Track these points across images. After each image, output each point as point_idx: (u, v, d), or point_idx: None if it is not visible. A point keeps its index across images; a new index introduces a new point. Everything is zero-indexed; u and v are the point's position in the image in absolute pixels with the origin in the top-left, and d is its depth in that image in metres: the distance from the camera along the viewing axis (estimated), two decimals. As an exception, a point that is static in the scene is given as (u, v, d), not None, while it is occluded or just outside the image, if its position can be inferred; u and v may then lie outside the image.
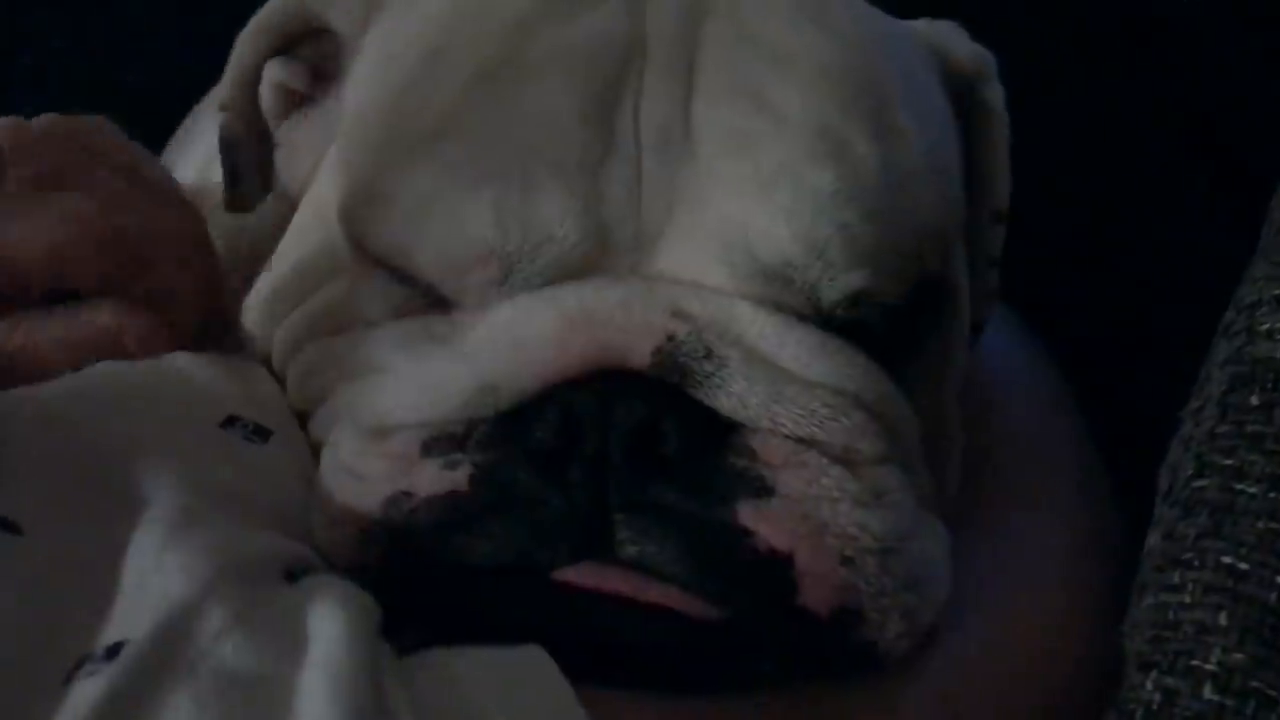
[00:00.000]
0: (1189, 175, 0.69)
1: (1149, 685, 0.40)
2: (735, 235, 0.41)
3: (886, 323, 0.42)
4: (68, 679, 0.32)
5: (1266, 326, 0.48)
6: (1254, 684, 0.39)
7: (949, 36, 0.51)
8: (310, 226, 0.48)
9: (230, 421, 0.45)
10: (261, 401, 0.46)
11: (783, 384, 0.40)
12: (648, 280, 0.41)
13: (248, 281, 0.51)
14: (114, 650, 0.33)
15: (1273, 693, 0.39)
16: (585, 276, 0.41)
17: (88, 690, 0.32)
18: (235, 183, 0.50)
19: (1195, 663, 0.40)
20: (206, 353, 0.48)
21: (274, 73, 0.51)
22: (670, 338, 0.40)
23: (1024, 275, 0.55)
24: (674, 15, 0.44)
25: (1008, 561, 0.48)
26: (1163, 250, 0.66)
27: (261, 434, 0.45)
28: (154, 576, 0.35)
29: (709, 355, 0.40)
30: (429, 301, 0.43)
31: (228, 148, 0.50)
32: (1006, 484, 0.51)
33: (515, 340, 0.40)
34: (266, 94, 0.51)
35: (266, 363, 0.48)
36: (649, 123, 0.42)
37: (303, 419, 0.46)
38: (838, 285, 0.41)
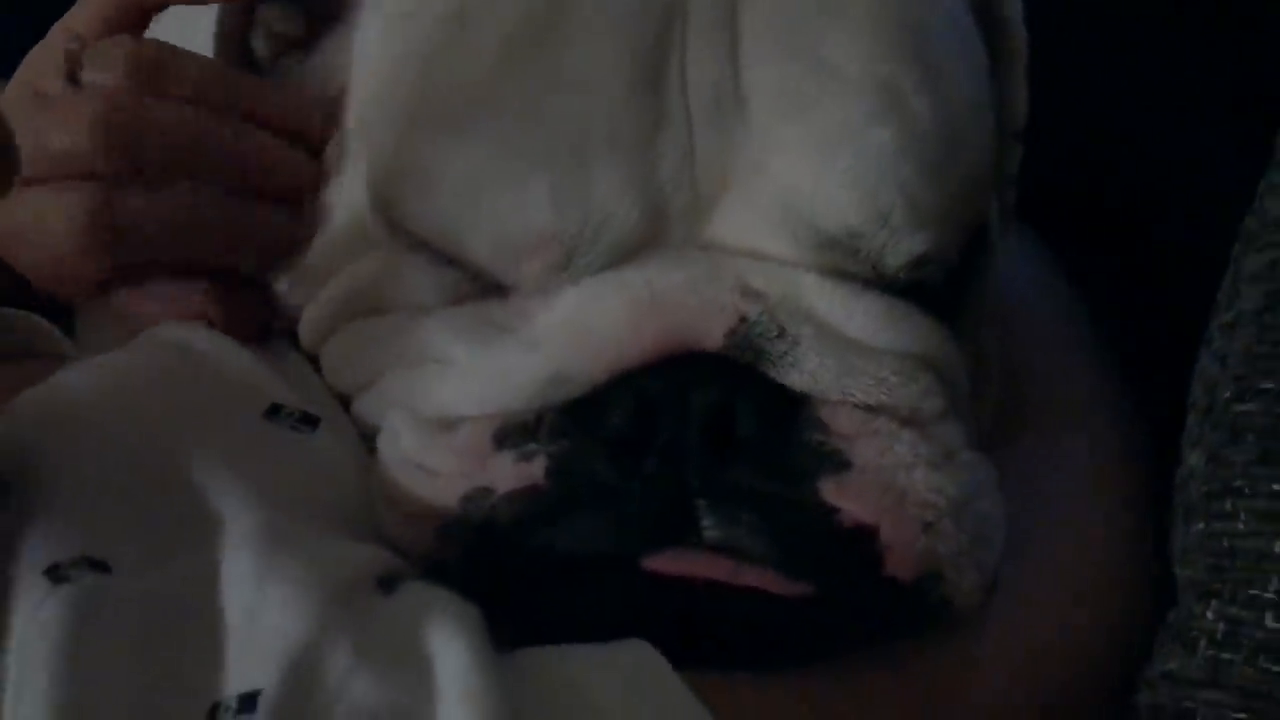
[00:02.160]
0: (1201, 88, 0.69)
1: (1210, 615, 0.42)
2: (796, 203, 0.40)
3: (946, 280, 0.42)
4: None
5: (1300, 242, 0.49)
6: (1313, 611, 0.41)
7: None
8: (330, 200, 0.47)
9: (274, 411, 0.44)
10: (301, 384, 0.45)
11: (853, 356, 0.40)
12: (710, 253, 0.41)
13: None
14: (249, 701, 0.33)
15: (1332, 618, 0.41)
16: (643, 252, 0.40)
17: None
18: None
19: (1254, 592, 0.42)
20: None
21: (264, 15, 0.48)
22: (743, 319, 0.39)
23: (1035, 190, 0.56)
24: None
25: (1048, 486, 0.49)
26: (1172, 162, 0.66)
27: (309, 422, 0.44)
28: (262, 614, 0.35)
29: (782, 334, 0.39)
30: (482, 285, 0.42)
31: None
32: (1034, 406, 0.52)
33: (585, 328, 0.40)
34: (257, 39, 0.49)
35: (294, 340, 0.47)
36: (698, 86, 0.40)
37: (341, 400, 0.45)
38: (902, 250, 0.41)
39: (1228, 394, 0.47)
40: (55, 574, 0.35)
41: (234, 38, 0.48)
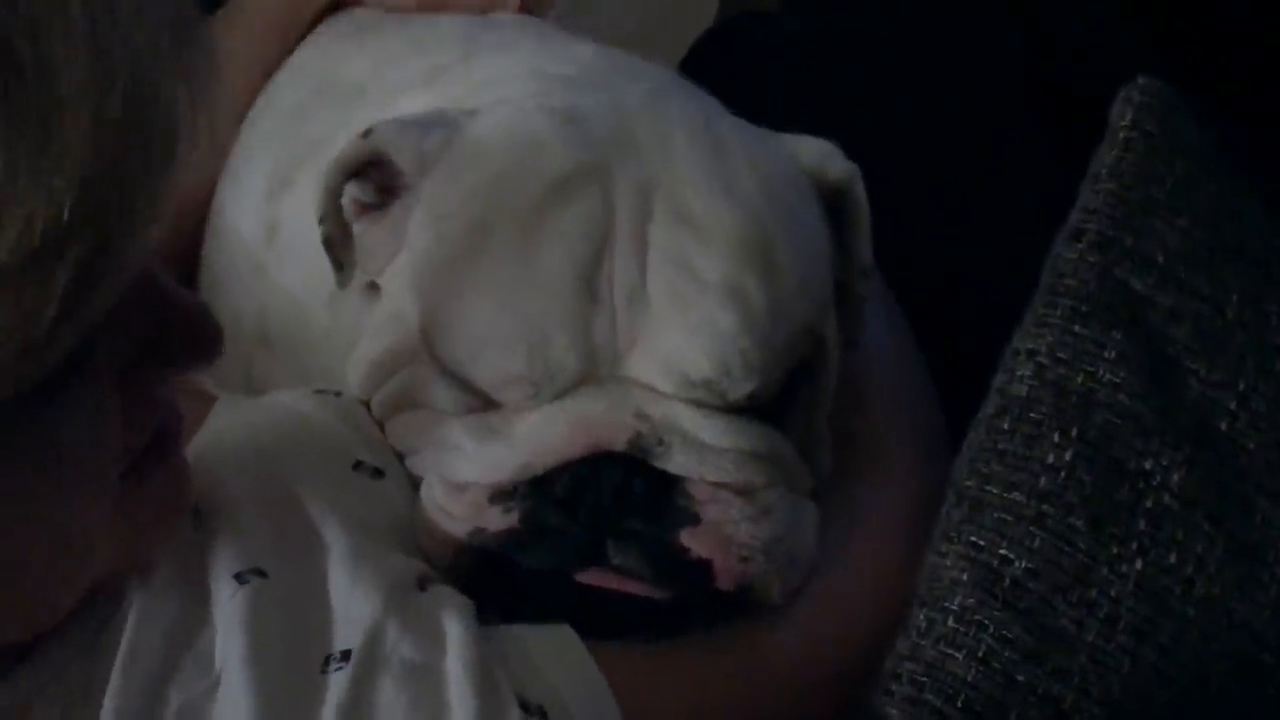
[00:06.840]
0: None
1: (921, 617, 0.69)
2: (675, 360, 0.66)
3: (770, 401, 0.68)
4: (323, 670, 0.59)
5: (1020, 373, 0.74)
6: (977, 617, 0.67)
7: (826, 159, 0.73)
8: (393, 322, 0.71)
9: (357, 465, 0.66)
10: (372, 444, 0.69)
11: (706, 453, 0.66)
12: (621, 386, 0.66)
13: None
14: (346, 654, 0.56)
15: (988, 623, 0.67)
16: (580, 386, 0.66)
17: (340, 678, 0.56)
18: (339, 269, 0.74)
19: (946, 604, 0.68)
20: (308, 392, 0.72)
21: (349, 188, 0.74)
22: (638, 433, 0.65)
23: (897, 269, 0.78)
24: (631, 199, 0.67)
25: (855, 525, 0.73)
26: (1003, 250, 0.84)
27: (379, 474, 0.66)
28: (352, 604, 0.60)
29: (661, 442, 0.65)
30: (484, 402, 0.68)
31: (329, 246, 0.74)
32: (864, 460, 0.75)
33: (543, 435, 0.66)
34: (345, 203, 0.74)
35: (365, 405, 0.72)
36: (619, 287, 0.66)
37: (397, 453, 0.71)
38: (738, 389, 0.66)
39: (962, 473, 0.73)
40: (240, 578, 0.58)
41: (334, 198, 0.73)
